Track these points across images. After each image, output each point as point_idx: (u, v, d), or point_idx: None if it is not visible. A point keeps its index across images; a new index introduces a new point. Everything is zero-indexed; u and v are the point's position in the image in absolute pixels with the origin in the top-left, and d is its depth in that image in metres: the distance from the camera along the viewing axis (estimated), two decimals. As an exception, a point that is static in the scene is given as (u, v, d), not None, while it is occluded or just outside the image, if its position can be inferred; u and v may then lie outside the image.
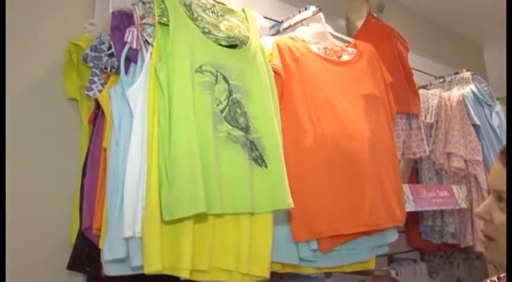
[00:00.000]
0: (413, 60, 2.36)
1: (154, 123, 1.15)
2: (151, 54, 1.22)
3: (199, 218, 1.14)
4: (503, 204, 0.79)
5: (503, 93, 2.99)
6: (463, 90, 2.54)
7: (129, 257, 1.12)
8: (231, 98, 1.27)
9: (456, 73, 2.68)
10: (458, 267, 2.71)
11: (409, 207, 1.86)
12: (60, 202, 1.50)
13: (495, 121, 2.60)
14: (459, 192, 2.19)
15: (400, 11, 3.04)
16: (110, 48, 1.32)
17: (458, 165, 2.33)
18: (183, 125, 1.14)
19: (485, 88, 2.63)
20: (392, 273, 2.13)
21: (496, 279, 0.90)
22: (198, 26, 1.28)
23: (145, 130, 1.16)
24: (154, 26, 1.24)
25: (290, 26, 1.84)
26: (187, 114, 1.15)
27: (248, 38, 1.39)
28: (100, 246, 1.19)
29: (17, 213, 1.39)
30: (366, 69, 1.71)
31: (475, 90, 2.55)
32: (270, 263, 1.27)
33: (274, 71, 1.48)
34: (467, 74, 2.64)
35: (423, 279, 2.45)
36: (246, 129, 1.27)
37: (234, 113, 1.26)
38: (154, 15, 1.24)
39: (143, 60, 1.24)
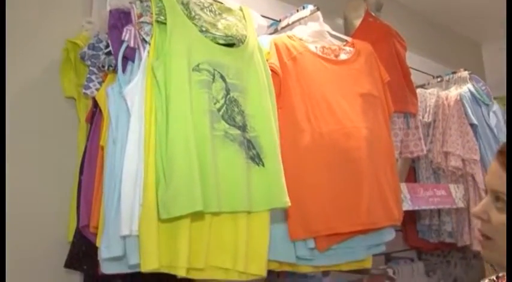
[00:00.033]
0: (411, 59, 2.36)
1: (152, 121, 1.15)
2: (148, 52, 1.22)
3: (196, 216, 1.14)
4: (501, 204, 0.80)
5: (501, 92, 3.00)
6: (461, 89, 2.55)
7: (126, 255, 1.12)
8: (228, 96, 1.27)
9: (454, 72, 2.69)
10: (455, 266, 2.72)
11: (407, 206, 1.86)
12: (58, 200, 1.50)
13: (492, 120, 2.61)
14: (456, 191, 2.20)
15: (398, 10, 3.04)
16: (107, 46, 1.33)
17: (456, 164, 2.34)
18: (180, 124, 1.14)
19: (483, 87, 2.64)
20: (390, 272, 2.14)
21: (495, 278, 0.90)
22: (195, 25, 1.28)
23: (143, 128, 1.16)
24: (152, 24, 1.24)
25: (288, 25, 1.84)
26: (184, 112, 1.15)
27: (246, 36, 1.39)
28: (97, 244, 1.19)
29: (15, 211, 1.39)
30: (363, 68, 1.71)
31: (472, 89, 2.56)
32: (266, 262, 1.27)
33: (271, 70, 1.48)
34: (465, 74, 2.64)
35: (420, 278, 2.46)
36: (243, 128, 1.27)
37: (231, 112, 1.26)
38: (151, 13, 1.24)
39: (140, 59, 1.24)
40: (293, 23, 1.82)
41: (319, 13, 1.77)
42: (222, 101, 1.25)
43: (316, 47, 1.67)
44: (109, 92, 1.25)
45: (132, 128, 1.16)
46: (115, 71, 1.29)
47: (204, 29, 1.29)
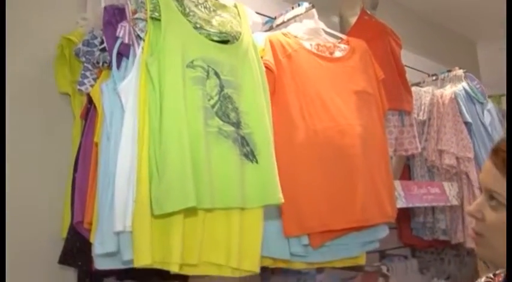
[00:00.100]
0: (406, 57, 2.36)
1: (145, 117, 1.15)
2: (142, 49, 1.22)
3: (190, 212, 1.14)
4: (495, 203, 0.80)
5: (496, 91, 3.02)
6: (456, 87, 2.56)
7: (119, 251, 1.13)
8: (222, 93, 1.27)
9: (449, 71, 2.70)
10: (449, 264, 2.73)
11: (401, 204, 1.87)
12: (52, 196, 1.49)
13: (487, 119, 2.63)
14: (450, 189, 2.21)
15: (393, 8, 3.05)
16: (102, 42, 1.33)
17: (450, 162, 2.35)
18: (173, 120, 1.14)
19: (478, 86, 2.65)
20: (384, 269, 2.15)
21: (492, 276, 0.91)
22: (190, 21, 1.28)
23: (137, 125, 1.16)
24: (146, 21, 1.24)
25: (283, 22, 1.84)
26: (178, 109, 1.15)
27: (240, 33, 1.39)
28: (91, 240, 1.20)
29: (9, 207, 1.39)
30: (358, 66, 1.71)
31: (467, 88, 2.57)
32: (259, 258, 1.28)
33: (266, 67, 1.49)
34: (459, 72, 2.65)
35: (414, 275, 2.48)
36: (237, 125, 1.27)
37: (225, 108, 1.26)
38: (146, 10, 1.24)
39: (135, 55, 1.24)
40: (288, 20, 1.82)
41: (314, 11, 1.77)
42: (216, 98, 1.25)
43: (311, 45, 1.67)
44: (103, 89, 1.25)
45: (126, 124, 1.16)
46: (109, 67, 1.29)
47: (198, 25, 1.29)
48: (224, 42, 1.34)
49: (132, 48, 1.26)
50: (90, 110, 1.40)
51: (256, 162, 1.28)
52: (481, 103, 2.63)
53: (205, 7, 1.37)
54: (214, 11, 1.39)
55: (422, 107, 2.49)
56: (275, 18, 1.90)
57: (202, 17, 1.33)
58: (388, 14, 2.48)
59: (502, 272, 0.89)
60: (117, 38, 1.25)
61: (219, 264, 1.21)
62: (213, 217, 1.20)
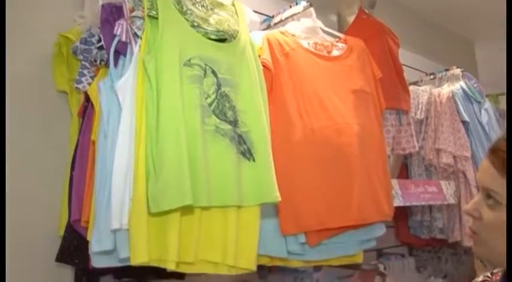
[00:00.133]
0: (404, 56, 2.37)
1: (143, 115, 1.16)
2: (140, 47, 1.22)
3: (186, 210, 1.14)
4: (492, 202, 0.80)
5: (493, 90, 3.02)
6: (453, 87, 2.56)
7: (116, 248, 1.13)
8: (219, 91, 1.27)
9: (447, 70, 2.70)
10: (446, 262, 2.74)
11: (398, 202, 1.88)
12: (49, 194, 1.50)
13: (484, 118, 2.63)
14: (447, 188, 2.22)
15: (391, 7, 3.05)
16: (99, 40, 1.32)
17: (447, 161, 2.35)
18: (170, 118, 1.14)
19: (475, 85, 2.66)
20: (381, 267, 2.14)
21: (489, 275, 0.92)
22: (187, 20, 1.28)
23: (134, 123, 1.16)
24: (144, 19, 1.24)
25: (281, 21, 1.84)
26: (175, 107, 1.15)
27: (237, 32, 1.39)
28: (88, 238, 1.20)
29: (6, 205, 1.39)
30: (355, 65, 1.71)
31: (464, 87, 2.57)
32: (256, 256, 1.28)
33: (263, 66, 1.49)
34: (457, 71, 2.66)
35: (411, 274, 2.48)
36: (234, 123, 1.28)
37: (222, 107, 1.26)
38: (143, 8, 1.24)
39: (132, 53, 1.24)
40: (286, 19, 1.82)
41: (312, 9, 1.77)
42: (213, 96, 1.25)
43: (308, 43, 1.67)
44: (101, 87, 1.25)
45: (123, 122, 1.16)
46: (107, 65, 1.29)
47: (195, 24, 1.29)
48: (221, 40, 1.34)
49: (129, 46, 1.25)
50: (87, 108, 1.40)
51: (253, 160, 1.28)
52: (479, 102, 2.63)
53: (202, 5, 1.37)
54: (211, 9, 1.39)
55: (420, 106, 2.49)
56: (273, 16, 1.90)
57: (200, 16, 1.33)
58: (386, 13, 2.48)
59: (499, 271, 0.89)
60: (114, 36, 1.25)
61: (216, 262, 1.21)
62: (210, 215, 1.21)
